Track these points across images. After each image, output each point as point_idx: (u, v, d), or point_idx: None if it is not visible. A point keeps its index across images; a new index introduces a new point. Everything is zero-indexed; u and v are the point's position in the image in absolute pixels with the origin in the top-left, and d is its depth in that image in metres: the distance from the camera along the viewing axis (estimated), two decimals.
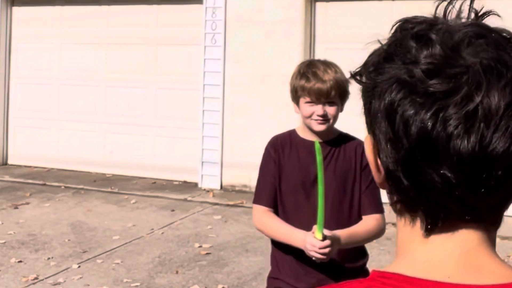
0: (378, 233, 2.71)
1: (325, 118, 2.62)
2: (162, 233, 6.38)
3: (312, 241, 2.42)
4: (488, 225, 0.78)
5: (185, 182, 8.47)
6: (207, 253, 5.71)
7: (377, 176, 0.82)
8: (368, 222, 2.64)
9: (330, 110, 2.63)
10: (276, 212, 2.68)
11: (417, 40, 0.78)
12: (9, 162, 9.72)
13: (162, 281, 5.07)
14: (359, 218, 2.64)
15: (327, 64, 2.67)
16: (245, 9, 8.12)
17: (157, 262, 5.51)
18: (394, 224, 6.21)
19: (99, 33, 9.19)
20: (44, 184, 8.43)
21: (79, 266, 5.42)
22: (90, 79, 9.24)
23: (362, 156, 2.68)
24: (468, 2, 0.81)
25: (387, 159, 0.78)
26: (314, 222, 2.54)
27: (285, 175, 2.67)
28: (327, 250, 2.42)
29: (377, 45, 0.85)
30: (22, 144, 9.66)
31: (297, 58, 7.93)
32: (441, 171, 0.74)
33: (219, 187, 8.13)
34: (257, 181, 2.76)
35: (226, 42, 8.19)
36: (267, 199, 2.68)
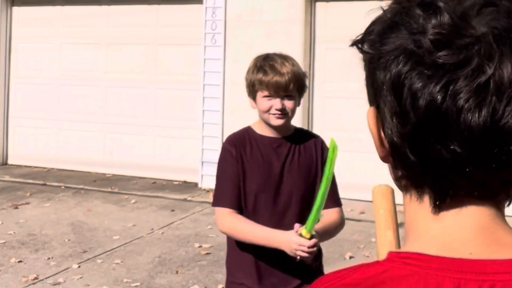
0: (341, 226, 2.71)
1: (283, 112, 2.57)
2: (162, 233, 6.38)
3: (300, 240, 2.36)
4: (498, 200, 0.76)
5: (185, 182, 8.47)
6: (207, 253, 5.71)
7: (380, 150, 0.79)
8: (331, 216, 2.62)
9: (289, 104, 2.57)
10: (240, 214, 2.58)
11: (424, 8, 0.74)
12: (9, 162, 9.72)
13: (162, 281, 5.07)
14: None
15: (284, 57, 2.62)
16: (245, 9, 8.12)
17: (157, 262, 5.51)
18: None
19: (99, 33, 9.19)
20: (44, 184, 8.43)
21: (79, 266, 5.42)
22: (90, 79, 9.24)
23: (323, 150, 2.66)
24: None
25: (392, 133, 0.75)
26: (281, 222, 2.51)
27: (248, 174, 2.59)
28: (315, 248, 2.39)
29: (379, 12, 0.82)
30: (22, 144, 9.65)
31: (297, 58, 7.91)
32: (451, 146, 0.71)
33: None
34: (217, 182, 2.64)
35: (226, 42, 8.19)
36: (232, 200, 2.57)
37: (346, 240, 5.93)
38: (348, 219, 6.97)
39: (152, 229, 6.51)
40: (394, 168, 0.79)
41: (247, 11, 8.11)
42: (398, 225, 1.16)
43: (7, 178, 8.77)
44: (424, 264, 0.72)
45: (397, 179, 0.80)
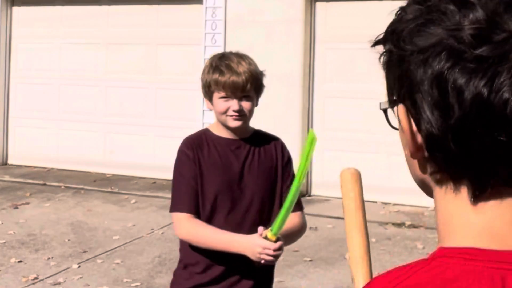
0: (303, 231, 2.62)
1: (241, 113, 2.47)
2: (162, 233, 6.38)
3: (265, 243, 2.27)
4: None
5: None
6: None
7: (411, 146, 0.80)
8: (293, 219, 2.49)
9: (246, 105, 2.48)
10: (198, 218, 2.48)
11: (458, 5, 0.76)
12: (9, 162, 9.72)
13: (162, 281, 5.07)
14: None
15: (241, 56, 2.52)
16: (245, 9, 8.12)
17: (157, 262, 5.51)
18: (393, 224, 6.18)
19: (99, 33, 9.19)
20: (44, 184, 8.43)
21: (79, 266, 5.42)
22: (90, 79, 9.24)
23: (283, 152, 2.59)
24: None
25: (432, 127, 0.76)
26: (240, 226, 2.43)
27: (206, 177, 2.49)
28: (281, 251, 2.30)
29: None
30: (22, 144, 9.65)
31: (297, 58, 7.93)
32: (498, 137, 0.73)
33: None
34: (174, 186, 2.52)
35: (226, 42, 8.19)
36: (190, 204, 2.46)
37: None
38: None
39: (152, 229, 6.51)
40: (427, 162, 0.81)
41: (247, 11, 8.11)
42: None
43: (7, 178, 8.77)
44: (484, 258, 0.73)
45: (431, 174, 0.81)
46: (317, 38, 8.02)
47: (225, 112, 2.47)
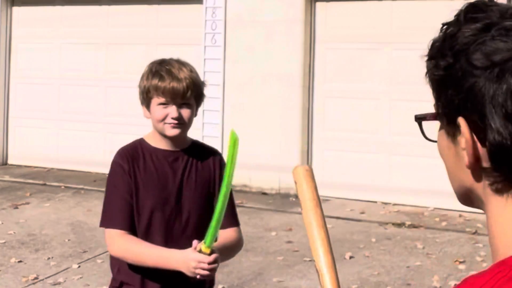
0: (240, 247, 2.52)
1: (180, 121, 2.35)
2: None
3: (199, 257, 2.16)
4: None
5: None
6: None
7: (471, 156, 0.83)
8: (229, 235, 2.42)
9: (185, 112, 2.36)
10: (134, 234, 2.37)
11: None
12: (9, 162, 9.72)
13: None
14: None
15: (182, 63, 2.44)
16: (245, 9, 8.12)
17: None
18: (394, 224, 6.18)
19: (99, 33, 9.19)
20: (44, 184, 8.44)
21: (79, 266, 5.42)
22: (90, 79, 9.24)
23: (221, 168, 2.46)
24: None
25: (504, 139, 0.80)
26: (178, 241, 2.32)
27: (142, 191, 2.36)
28: (216, 264, 2.21)
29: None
30: (22, 144, 9.65)
31: (297, 58, 7.93)
32: None
33: None
34: (107, 200, 2.40)
35: (226, 42, 8.19)
36: (124, 220, 2.34)
37: (346, 240, 5.93)
38: (348, 219, 7.01)
39: None
40: (483, 172, 0.84)
41: (247, 11, 8.11)
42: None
43: (7, 178, 8.78)
44: None
45: (490, 184, 0.84)
46: (317, 38, 8.02)
47: (163, 120, 2.36)
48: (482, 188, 0.84)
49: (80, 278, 5.17)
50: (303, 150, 7.87)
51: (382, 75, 7.63)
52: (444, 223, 6.71)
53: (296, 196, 7.21)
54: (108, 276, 5.27)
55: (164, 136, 2.40)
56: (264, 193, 7.92)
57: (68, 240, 6.13)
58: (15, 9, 9.76)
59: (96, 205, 7.42)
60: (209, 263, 2.17)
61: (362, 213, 7.08)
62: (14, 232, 6.34)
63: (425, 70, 0.89)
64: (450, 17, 0.87)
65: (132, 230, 2.36)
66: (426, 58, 0.88)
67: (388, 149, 7.59)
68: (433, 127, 0.94)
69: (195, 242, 2.22)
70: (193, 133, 9.83)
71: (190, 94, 2.35)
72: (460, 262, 5.50)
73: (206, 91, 2.50)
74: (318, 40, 8.01)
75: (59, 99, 9.44)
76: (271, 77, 7.96)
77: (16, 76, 9.73)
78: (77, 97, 9.33)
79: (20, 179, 8.70)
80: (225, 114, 8.18)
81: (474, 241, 6.07)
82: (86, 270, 5.35)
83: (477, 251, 5.78)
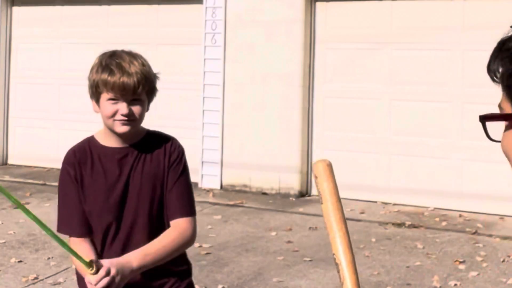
0: (187, 242, 2.28)
1: (130, 118, 2.23)
2: None
3: (89, 279, 2.03)
4: None
5: None
6: (207, 253, 5.70)
7: None
8: (170, 232, 2.25)
9: (136, 109, 2.23)
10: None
11: None
12: (9, 162, 9.72)
13: None
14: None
15: (133, 55, 2.28)
16: (245, 9, 8.12)
17: None
18: (394, 224, 6.16)
19: (99, 33, 9.19)
20: (44, 184, 8.44)
21: None
22: None
23: (171, 154, 2.37)
24: None
25: None
26: (128, 245, 2.23)
27: (89, 195, 2.27)
28: (105, 282, 2.01)
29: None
30: (22, 144, 9.66)
31: (297, 58, 7.93)
32: None
33: (219, 187, 8.13)
34: (60, 207, 2.30)
35: (226, 42, 8.19)
36: (80, 227, 2.26)
37: None
38: (348, 219, 6.97)
39: None
40: None
41: (247, 11, 8.11)
42: None
43: (7, 178, 8.78)
44: None
45: None
46: (317, 38, 8.02)
47: (112, 116, 2.23)
48: None
49: None
50: (303, 150, 7.87)
51: (382, 75, 7.62)
52: (444, 223, 6.70)
53: (296, 196, 7.22)
54: None
55: (114, 132, 2.28)
56: (264, 193, 7.92)
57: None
58: (15, 9, 9.76)
59: None
60: (96, 284, 2.01)
61: (362, 213, 7.08)
62: (14, 232, 6.34)
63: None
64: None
65: (91, 233, 2.28)
66: (506, 60, 0.89)
67: (388, 149, 7.59)
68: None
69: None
70: (193, 133, 9.84)
71: (142, 90, 2.22)
72: (460, 262, 5.50)
73: (157, 84, 2.35)
74: (318, 40, 8.01)
75: (59, 99, 9.45)
76: (271, 77, 7.96)
77: (16, 76, 9.73)
78: (77, 97, 9.32)
79: (20, 179, 8.70)
80: (225, 114, 8.18)
81: (474, 241, 6.07)
82: None
83: (477, 251, 5.78)
